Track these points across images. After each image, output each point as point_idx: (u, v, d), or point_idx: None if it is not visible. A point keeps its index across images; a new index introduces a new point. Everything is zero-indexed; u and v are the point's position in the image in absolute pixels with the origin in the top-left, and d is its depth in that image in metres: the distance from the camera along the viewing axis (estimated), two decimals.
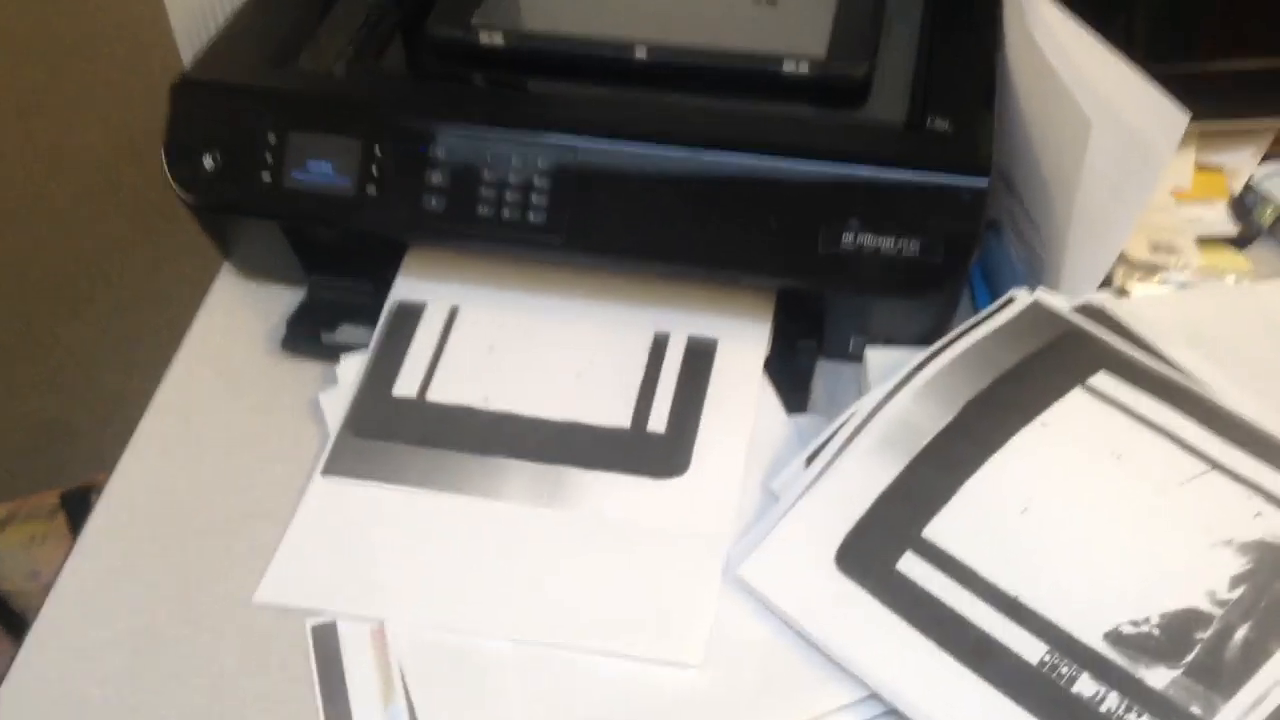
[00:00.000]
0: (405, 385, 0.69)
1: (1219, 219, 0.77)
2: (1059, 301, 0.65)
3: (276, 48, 0.73)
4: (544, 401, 0.68)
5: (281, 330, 0.74)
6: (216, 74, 0.72)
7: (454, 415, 0.68)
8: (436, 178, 0.68)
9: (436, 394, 0.69)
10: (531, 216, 0.67)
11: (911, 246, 0.64)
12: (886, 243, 0.64)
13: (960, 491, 0.56)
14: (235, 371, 0.72)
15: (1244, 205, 0.78)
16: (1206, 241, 0.76)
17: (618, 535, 0.62)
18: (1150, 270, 0.72)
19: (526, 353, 0.70)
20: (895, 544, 0.56)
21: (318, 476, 0.66)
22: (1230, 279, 0.72)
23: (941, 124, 0.67)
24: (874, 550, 0.56)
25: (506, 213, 0.67)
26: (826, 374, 0.71)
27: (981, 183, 0.63)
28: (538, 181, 0.67)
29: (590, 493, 0.64)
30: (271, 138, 0.69)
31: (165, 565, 0.63)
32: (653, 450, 0.65)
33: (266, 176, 0.69)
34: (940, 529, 0.56)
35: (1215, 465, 0.55)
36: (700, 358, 0.69)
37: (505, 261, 0.73)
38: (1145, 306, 0.67)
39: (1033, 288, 0.67)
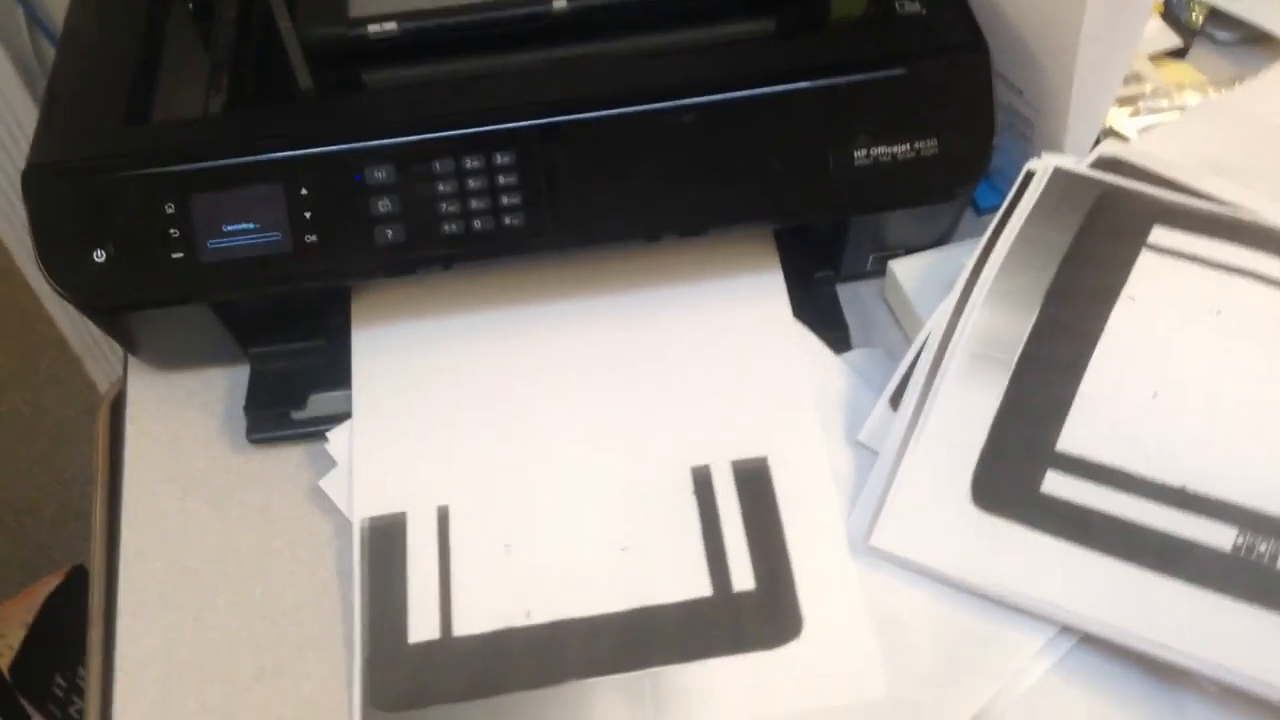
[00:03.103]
0: (422, 627, 0.54)
1: (1159, 33, 0.75)
2: (1075, 163, 0.62)
3: (121, 106, 0.60)
4: (599, 594, 0.54)
5: (239, 421, 0.63)
6: (71, 150, 0.59)
7: (497, 646, 0.53)
8: (384, 205, 0.58)
9: (465, 625, 0.54)
10: (508, 220, 0.58)
11: (929, 145, 0.59)
12: (902, 149, 0.59)
13: (1080, 393, 0.53)
14: (205, 484, 0.61)
15: (1173, 13, 0.77)
16: (1154, 59, 0.74)
17: None
18: (1128, 103, 0.70)
19: (553, 540, 0.56)
20: (1032, 466, 0.52)
21: None
22: (1203, 93, 0.70)
23: (911, 6, 0.62)
24: (1011, 478, 0.52)
25: (478, 224, 0.58)
26: (845, 299, 0.66)
27: (983, 55, 0.59)
28: (503, 180, 0.58)
29: (700, 693, 0.52)
30: (170, 208, 0.57)
31: None
32: (752, 614, 0.53)
33: (178, 254, 0.57)
34: (1074, 437, 0.52)
35: None
36: (755, 481, 0.57)
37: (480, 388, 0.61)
38: (1153, 146, 0.64)
39: (1036, 155, 0.63)
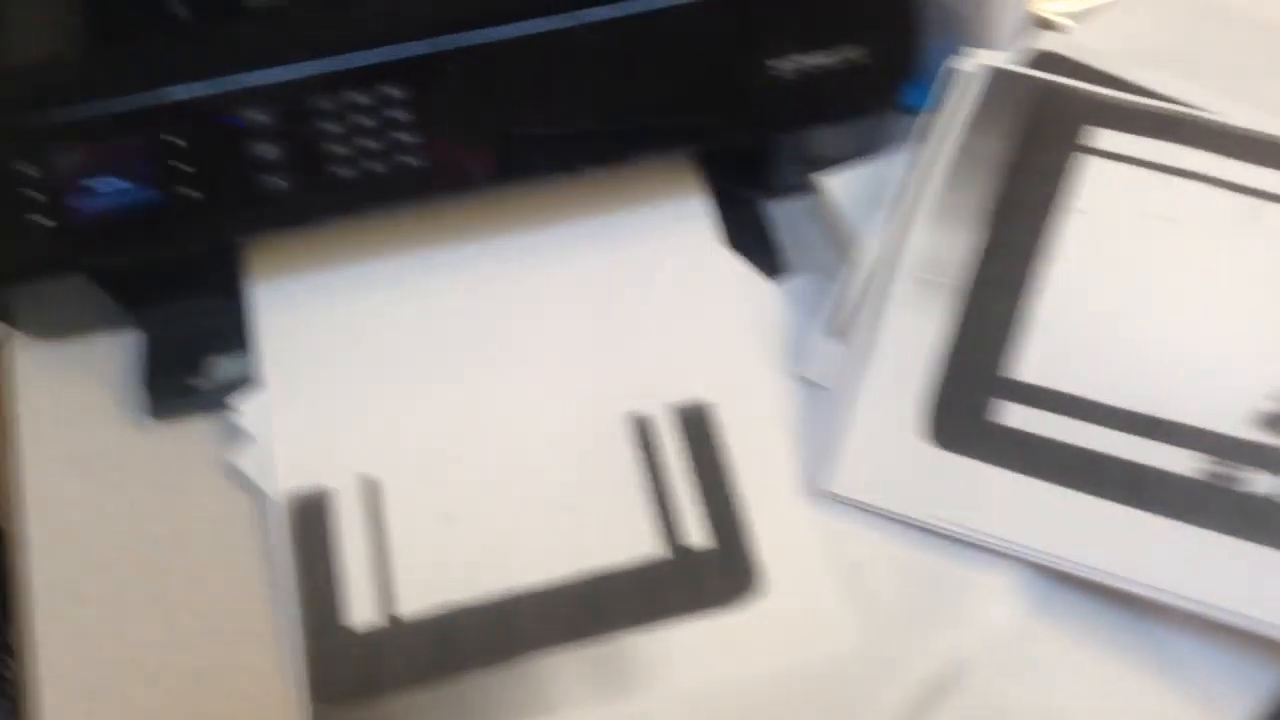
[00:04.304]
0: (362, 610, 0.51)
1: None
2: (1007, 61, 0.58)
3: None
4: (547, 560, 0.52)
5: (134, 392, 0.58)
6: None
7: (446, 625, 0.51)
8: (269, 151, 0.52)
9: (410, 605, 0.51)
10: (408, 159, 0.53)
11: (854, 52, 0.55)
12: (823, 58, 0.54)
13: (1030, 316, 0.51)
14: (107, 464, 0.57)
15: None
16: None
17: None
18: None
19: (495, 508, 0.53)
20: (980, 396, 0.50)
21: None
22: None
23: None
24: (961, 411, 0.50)
25: (375, 166, 0.53)
26: (774, 219, 0.63)
27: None
28: (401, 115, 0.53)
29: (662, 659, 0.50)
30: (31, 170, 0.51)
31: None
32: (709, 572, 0.51)
33: (44, 220, 0.51)
34: (1026, 364, 0.50)
35: (1261, 194, 0.52)
36: (699, 427, 0.54)
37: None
38: (1089, 37, 0.61)
39: (959, 52, 0.59)
